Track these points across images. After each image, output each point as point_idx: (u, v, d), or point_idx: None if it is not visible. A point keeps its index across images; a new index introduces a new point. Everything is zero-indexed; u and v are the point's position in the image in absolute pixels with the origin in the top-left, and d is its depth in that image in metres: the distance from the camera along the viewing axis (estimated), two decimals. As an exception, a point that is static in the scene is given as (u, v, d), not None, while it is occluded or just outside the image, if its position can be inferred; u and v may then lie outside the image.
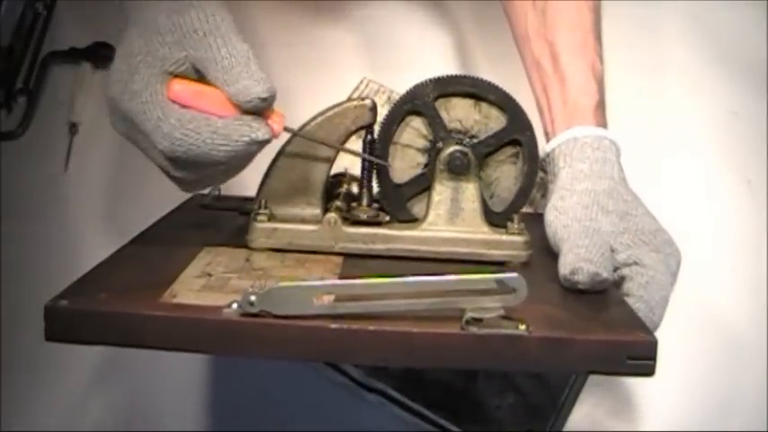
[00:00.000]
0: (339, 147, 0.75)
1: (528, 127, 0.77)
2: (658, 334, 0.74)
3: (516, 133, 0.76)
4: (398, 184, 0.77)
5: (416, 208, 0.78)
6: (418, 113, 0.76)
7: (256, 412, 1.04)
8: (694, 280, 0.91)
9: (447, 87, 0.76)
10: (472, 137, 0.76)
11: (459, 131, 0.76)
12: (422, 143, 0.77)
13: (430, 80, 0.75)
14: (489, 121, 0.76)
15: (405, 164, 0.77)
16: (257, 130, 0.65)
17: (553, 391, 0.99)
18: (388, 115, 0.76)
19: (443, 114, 0.76)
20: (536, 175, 0.78)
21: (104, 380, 1.05)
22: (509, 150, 0.78)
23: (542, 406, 0.99)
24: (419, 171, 0.77)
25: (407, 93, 0.76)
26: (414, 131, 0.76)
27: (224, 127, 0.65)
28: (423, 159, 0.77)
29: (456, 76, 0.76)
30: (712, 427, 1.03)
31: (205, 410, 1.05)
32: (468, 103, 0.76)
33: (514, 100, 0.76)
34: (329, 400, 1.04)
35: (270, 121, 0.67)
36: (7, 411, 1.02)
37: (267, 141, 0.67)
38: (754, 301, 1.08)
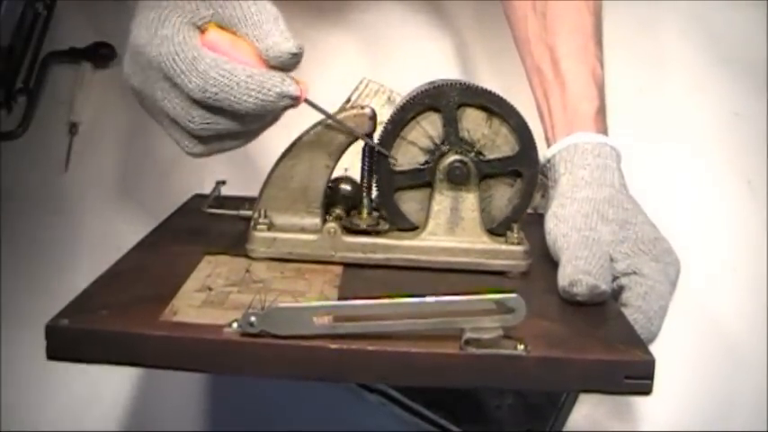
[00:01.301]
0: (361, 134, 0.74)
1: (534, 163, 0.76)
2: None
3: (522, 166, 0.76)
4: (394, 171, 0.76)
5: (406, 205, 0.77)
6: (437, 110, 0.75)
7: (256, 412, 1.04)
8: (695, 280, 0.92)
9: (473, 98, 0.74)
10: (478, 153, 0.76)
11: (466, 141, 0.76)
12: (426, 143, 0.76)
13: (459, 84, 0.74)
14: (497, 138, 0.76)
15: (405, 160, 0.77)
16: (289, 85, 0.67)
17: (553, 391, 0.99)
18: (406, 103, 0.75)
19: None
20: (527, 208, 0.78)
21: (105, 380, 1.05)
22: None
23: (542, 406, 0.99)
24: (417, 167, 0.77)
25: (434, 88, 0.74)
26: (421, 130, 0.76)
27: (259, 74, 0.66)
28: (423, 159, 0.76)
29: (486, 91, 0.75)
30: (713, 428, 1.03)
31: (205, 410, 1.05)
32: (480, 115, 0.75)
33: (531, 133, 0.76)
34: (329, 400, 1.04)
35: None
36: (7, 411, 1.02)
37: (294, 101, 0.67)
38: (755, 302, 1.09)
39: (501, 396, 0.99)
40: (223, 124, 0.69)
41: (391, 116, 0.75)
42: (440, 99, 0.74)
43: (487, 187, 0.77)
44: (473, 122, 0.76)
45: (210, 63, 0.65)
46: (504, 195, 0.78)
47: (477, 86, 0.75)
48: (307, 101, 0.69)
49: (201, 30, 0.68)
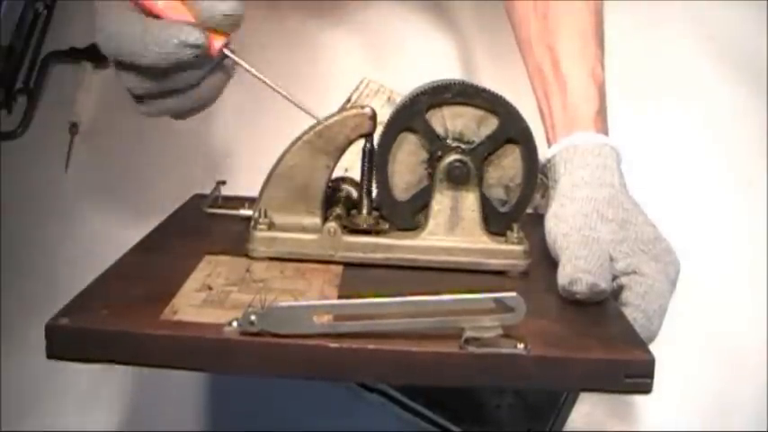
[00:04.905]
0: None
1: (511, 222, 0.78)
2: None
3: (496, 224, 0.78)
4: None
5: (394, 178, 0.77)
6: (467, 105, 0.75)
7: (256, 412, 1.04)
8: (694, 281, 0.91)
9: (510, 129, 0.75)
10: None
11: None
12: (440, 131, 0.76)
13: (524, 125, 0.75)
14: (503, 159, 0.77)
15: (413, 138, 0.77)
16: (189, 33, 0.66)
17: (553, 391, 0.99)
18: (455, 84, 0.74)
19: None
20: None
21: (105, 379, 1.05)
22: None
23: (542, 406, 0.99)
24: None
25: (492, 94, 0.74)
26: (441, 118, 0.75)
27: (156, 26, 0.66)
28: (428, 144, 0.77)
29: (528, 130, 0.76)
30: (712, 428, 1.03)
31: (205, 410, 1.06)
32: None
33: (529, 197, 0.77)
34: (329, 399, 1.04)
35: (212, 36, 0.68)
36: (7, 411, 1.02)
37: (198, 50, 0.67)
38: (755, 302, 1.09)
39: (501, 396, 0.99)
40: (138, 82, 0.69)
41: (446, 84, 0.75)
42: (498, 110, 0.75)
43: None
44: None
45: (108, 19, 0.65)
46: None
47: (526, 127, 0.75)
48: (228, 56, 0.69)
49: None
